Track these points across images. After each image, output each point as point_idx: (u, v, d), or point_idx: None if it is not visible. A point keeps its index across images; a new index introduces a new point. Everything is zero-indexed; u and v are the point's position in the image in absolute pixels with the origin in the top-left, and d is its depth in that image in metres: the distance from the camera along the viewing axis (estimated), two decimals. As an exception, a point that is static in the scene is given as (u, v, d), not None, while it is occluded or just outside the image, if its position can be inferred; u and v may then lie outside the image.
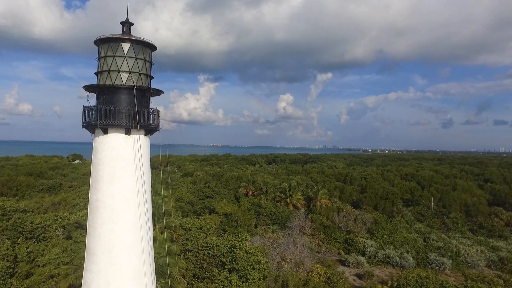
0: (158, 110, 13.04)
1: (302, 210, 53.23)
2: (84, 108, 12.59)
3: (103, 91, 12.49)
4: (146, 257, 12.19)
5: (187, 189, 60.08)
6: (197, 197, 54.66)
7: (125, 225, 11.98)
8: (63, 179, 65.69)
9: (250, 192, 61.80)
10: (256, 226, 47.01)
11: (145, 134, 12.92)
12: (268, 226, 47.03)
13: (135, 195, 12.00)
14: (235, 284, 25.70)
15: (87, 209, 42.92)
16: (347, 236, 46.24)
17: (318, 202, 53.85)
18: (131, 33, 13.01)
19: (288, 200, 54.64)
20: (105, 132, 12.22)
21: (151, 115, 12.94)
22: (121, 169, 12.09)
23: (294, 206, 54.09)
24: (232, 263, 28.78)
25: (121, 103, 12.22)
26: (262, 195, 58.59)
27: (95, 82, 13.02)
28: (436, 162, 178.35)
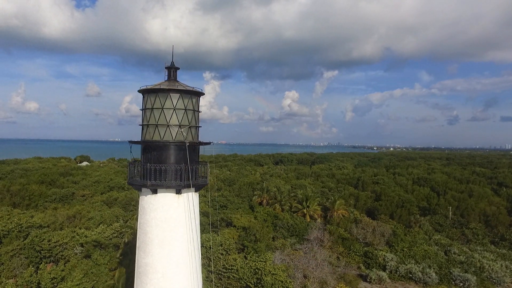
0: (207, 163, 12.14)
1: (319, 220, 52.35)
2: (130, 164, 11.67)
3: (150, 147, 11.57)
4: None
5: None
6: (212, 207, 53.90)
7: (177, 293, 11.11)
8: (75, 187, 65.22)
9: (264, 200, 60.98)
10: (274, 239, 46.20)
11: (196, 191, 12.03)
12: (286, 238, 46.20)
13: (187, 259, 11.14)
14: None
15: (101, 223, 42.32)
16: (366, 248, 45.34)
17: (335, 212, 52.96)
18: (177, 79, 12.09)
19: (305, 211, 53.74)
20: (154, 192, 11.32)
21: (200, 168, 12.03)
22: (171, 231, 11.20)
23: (311, 217, 53.20)
24: (258, 287, 28.05)
25: (170, 160, 11.31)
26: (277, 204, 57.80)
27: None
28: (445, 162, 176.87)
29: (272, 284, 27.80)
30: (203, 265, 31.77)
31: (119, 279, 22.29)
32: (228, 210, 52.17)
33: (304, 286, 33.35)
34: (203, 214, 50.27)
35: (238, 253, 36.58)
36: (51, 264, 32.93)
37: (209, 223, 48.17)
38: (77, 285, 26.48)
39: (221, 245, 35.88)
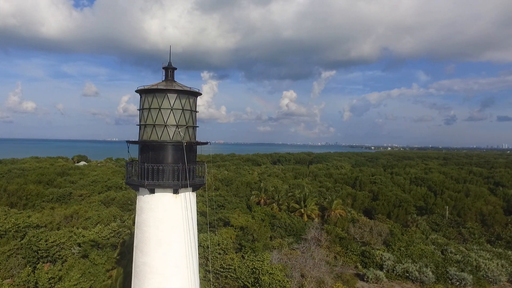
0: (204, 163, 12.21)
1: (316, 220, 52.45)
2: (127, 164, 11.74)
3: (148, 147, 11.63)
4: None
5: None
6: (209, 207, 53.90)
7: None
8: (72, 187, 65.11)
9: (262, 200, 61.02)
10: (271, 239, 46.28)
11: (193, 190, 12.10)
12: (284, 238, 46.29)
13: (185, 259, 11.20)
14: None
15: (99, 223, 42.35)
16: (363, 248, 45.47)
17: (332, 212, 53.10)
18: (174, 79, 12.15)
19: (302, 210, 53.86)
20: (152, 191, 11.38)
21: (197, 168, 12.10)
22: (169, 231, 11.26)
23: (308, 216, 53.31)
24: (256, 286, 28.13)
25: (167, 160, 11.38)
26: (274, 203, 57.88)
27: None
28: (442, 162, 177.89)
29: (269, 283, 27.90)
30: (200, 264, 31.84)
31: (116, 279, 22.32)
32: (226, 210, 52.23)
33: (301, 285, 33.45)
34: (200, 213, 50.22)
35: (236, 252, 36.65)
36: (48, 264, 32.90)
37: (207, 223, 48.13)
38: (74, 285, 26.48)
39: (219, 244, 35.96)
